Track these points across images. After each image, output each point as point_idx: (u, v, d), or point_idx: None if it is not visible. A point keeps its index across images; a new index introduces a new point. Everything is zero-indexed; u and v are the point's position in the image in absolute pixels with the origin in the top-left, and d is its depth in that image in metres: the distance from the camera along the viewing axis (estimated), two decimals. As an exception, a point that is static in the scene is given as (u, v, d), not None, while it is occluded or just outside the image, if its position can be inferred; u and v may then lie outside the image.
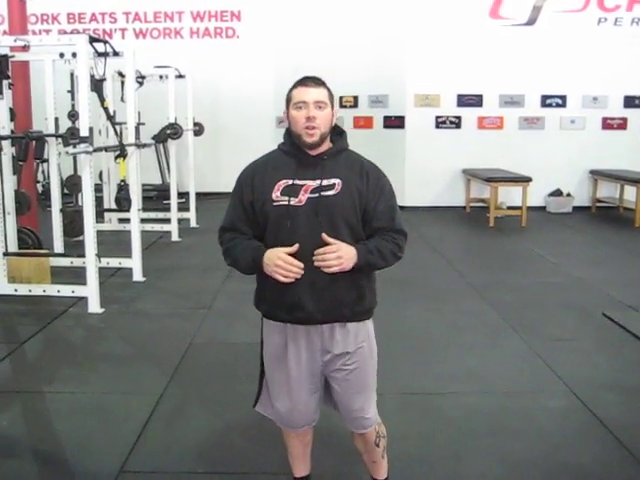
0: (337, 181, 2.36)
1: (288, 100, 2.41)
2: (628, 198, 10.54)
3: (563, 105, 11.17)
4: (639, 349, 4.73)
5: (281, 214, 2.34)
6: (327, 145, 2.43)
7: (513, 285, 6.48)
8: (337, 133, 2.47)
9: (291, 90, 2.41)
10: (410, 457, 3.20)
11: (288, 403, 2.52)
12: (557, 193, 11.14)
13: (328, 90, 2.40)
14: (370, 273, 2.48)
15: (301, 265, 2.28)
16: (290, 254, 2.29)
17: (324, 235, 2.28)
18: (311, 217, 2.33)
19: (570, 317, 5.49)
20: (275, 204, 2.35)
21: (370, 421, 2.59)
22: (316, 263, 2.28)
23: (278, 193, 2.36)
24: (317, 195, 2.34)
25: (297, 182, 2.36)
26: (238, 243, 2.43)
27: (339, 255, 2.27)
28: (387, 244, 2.40)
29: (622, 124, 11.21)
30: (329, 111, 2.38)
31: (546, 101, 11.17)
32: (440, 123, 11.24)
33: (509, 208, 10.47)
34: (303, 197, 2.34)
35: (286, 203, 2.34)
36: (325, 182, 2.36)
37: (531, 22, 10.96)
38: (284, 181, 2.37)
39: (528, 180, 9.93)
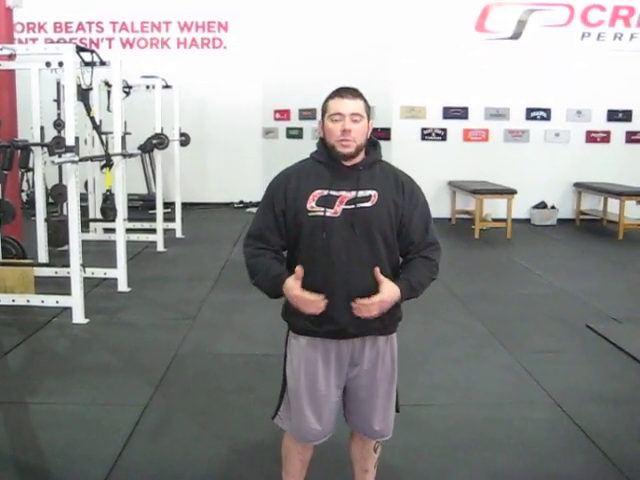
0: (373, 192, 2.34)
1: (324, 111, 2.37)
2: (611, 211, 10.63)
3: (547, 118, 11.29)
4: (622, 360, 4.76)
5: (316, 225, 2.31)
6: (362, 156, 2.40)
7: (498, 297, 6.52)
8: (371, 144, 2.45)
9: (327, 100, 2.37)
10: (396, 468, 3.20)
11: (312, 417, 2.46)
12: (542, 205, 11.23)
13: (365, 102, 2.37)
14: None
15: (319, 298, 2.29)
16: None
17: (377, 271, 2.29)
18: (347, 229, 2.30)
19: (554, 329, 5.52)
20: (310, 214, 2.32)
21: (389, 430, 2.58)
22: (356, 312, 2.29)
23: (313, 203, 2.32)
24: (353, 206, 2.32)
25: (332, 193, 2.33)
26: (260, 265, 2.39)
27: (380, 305, 2.29)
28: (427, 272, 2.41)
29: (605, 137, 11.34)
30: (365, 123, 2.35)
31: (531, 114, 11.28)
32: (426, 135, 11.31)
33: (494, 220, 10.53)
34: (338, 208, 2.31)
35: (322, 214, 2.31)
36: (361, 193, 2.33)
37: (516, 36, 11.09)
38: (319, 191, 2.33)
39: (513, 192, 9.99)
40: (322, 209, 2.32)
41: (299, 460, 2.65)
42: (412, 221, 2.40)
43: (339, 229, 2.31)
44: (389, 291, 2.30)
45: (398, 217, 2.38)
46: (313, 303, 2.29)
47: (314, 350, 2.43)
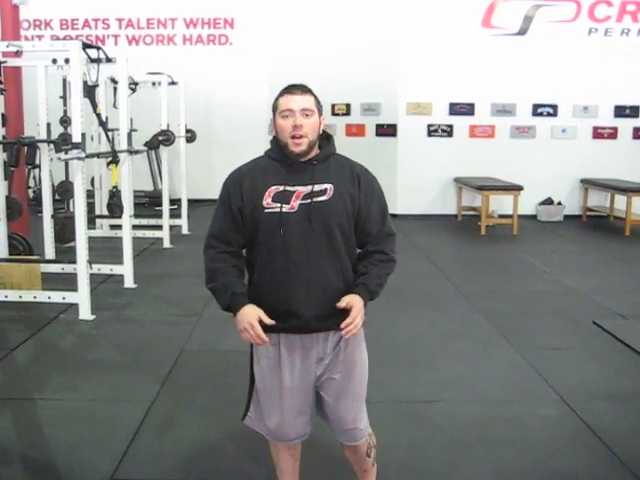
0: (329, 186, 2.34)
1: (274, 108, 2.37)
2: (618, 207, 10.60)
3: (554, 114, 11.24)
4: (629, 357, 4.75)
5: (273, 221, 2.31)
6: (316, 151, 2.40)
7: (504, 293, 6.50)
8: (324, 138, 2.44)
9: (277, 98, 2.38)
10: (401, 465, 3.20)
11: (280, 415, 2.47)
12: (548, 202, 11.20)
13: (315, 97, 2.37)
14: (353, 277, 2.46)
15: (265, 340, 2.31)
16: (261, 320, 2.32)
17: (339, 306, 2.31)
18: (304, 224, 2.31)
19: (561, 325, 5.51)
20: (267, 211, 2.32)
21: (362, 432, 2.56)
22: (346, 335, 2.31)
23: (269, 200, 2.32)
24: (309, 201, 2.32)
25: (288, 188, 2.33)
26: (220, 273, 2.41)
27: (359, 314, 2.30)
28: (383, 270, 2.42)
29: (612, 133, 11.29)
30: (316, 118, 2.35)
31: (537, 110, 11.24)
32: (432, 131, 11.28)
33: (500, 216, 10.50)
34: (295, 203, 2.32)
35: (278, 210, 2.31)
36: (317, 187, 2.33)
37: (523, 32, 11.04)
38: (275, 187, 2.33)
39: (519, 189, 9.97)
40: (278, 205, 2.32)
41: (289, 455, 2.65)
42: (369, 212, 2.41)
43: (296, 224, 2.31)
44: (356, 301, 2.31)
45: (355, 209, 2.38)
46: (258, 338, 2.31)
47: (277, 347, 2.43)
